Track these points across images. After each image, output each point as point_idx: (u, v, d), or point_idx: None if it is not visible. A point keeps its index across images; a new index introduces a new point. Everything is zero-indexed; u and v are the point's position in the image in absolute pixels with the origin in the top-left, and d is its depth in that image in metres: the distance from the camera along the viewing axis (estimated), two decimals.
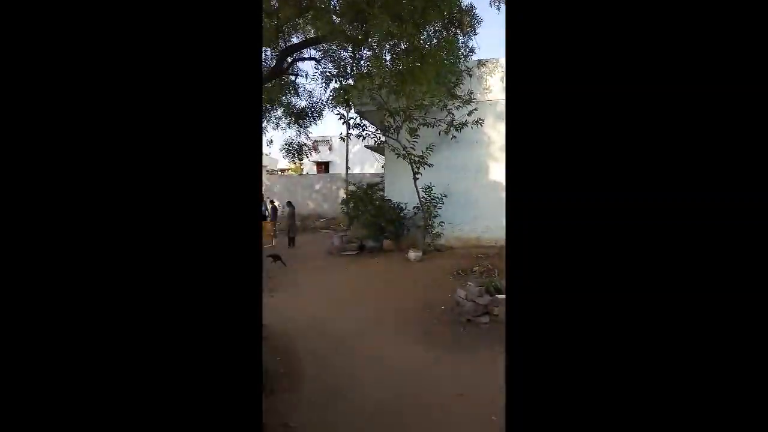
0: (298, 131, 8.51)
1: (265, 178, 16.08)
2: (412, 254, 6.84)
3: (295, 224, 10.42)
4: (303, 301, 5.06)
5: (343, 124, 7.53)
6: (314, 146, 9.86)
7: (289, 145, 8.82)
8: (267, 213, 11.48)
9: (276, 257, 7.27)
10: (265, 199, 12.21)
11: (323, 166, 20.37)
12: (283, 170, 20.71)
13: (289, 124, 8.27)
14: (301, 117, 8.23)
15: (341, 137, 8.66)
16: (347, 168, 11.96)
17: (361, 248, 8.10)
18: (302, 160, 11.41)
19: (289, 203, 10.59)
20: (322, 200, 15.47)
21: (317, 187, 15.68)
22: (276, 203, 12.44)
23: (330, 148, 20.63)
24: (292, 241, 9.96)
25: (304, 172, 19.08)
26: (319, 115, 8.32)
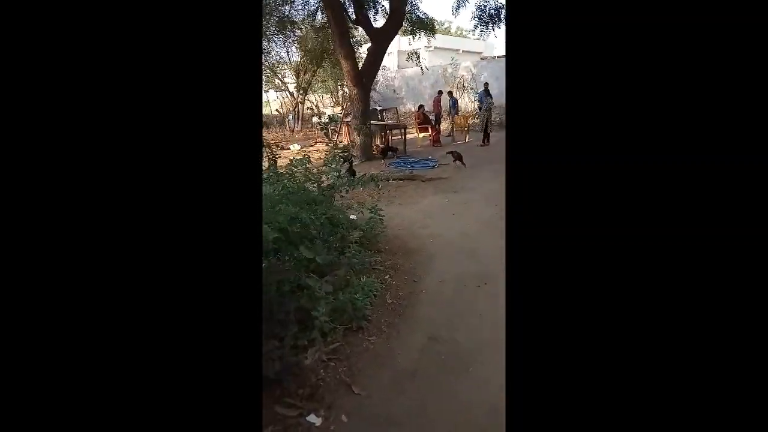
0: None
1: (471, 65, 14.31)
2: None
3: (492, 118, 8.85)
4: (461, 211, 4.10)
5: None
6: None
7: (482, 11, 6.83)
8: (448, 109, 10.11)
9: (457, 156, 6.33)
10: (445, 93, 10.73)
11: None
12: (502, 56, 17.95)
13: None
14: None
15: None
16: None
17: None
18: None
19: (487, 91, 8.92)
20: None
21: None
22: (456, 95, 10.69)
23: None
24: (486, 138, 8.64)
25: None
26: None
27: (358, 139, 7.10)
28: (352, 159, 6.51)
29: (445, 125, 11.54)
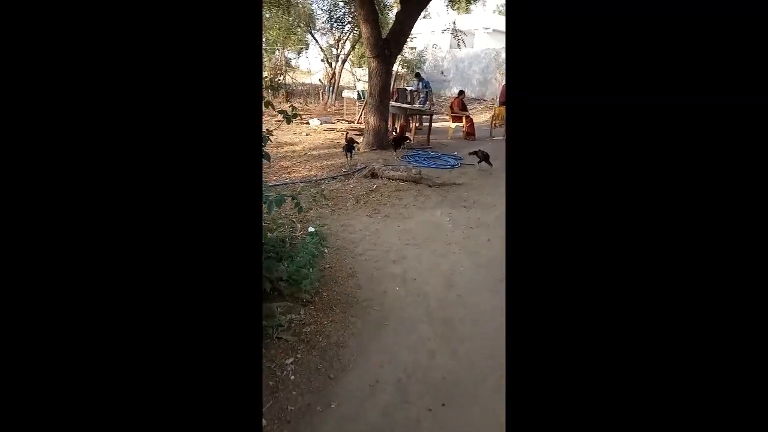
0: None
1: None
2: None
3: None
4: (461, 240, 2.97)
5: None
6: None
7: None
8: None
9: (482, 156, 5.09)
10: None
11: None
12: None
13: None
14: None
15: None
16: None
17: None
18: None
19: None
20: None
21: None
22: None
23: None
24: None
25: None
26: None
27: (372, 122, 6.00)
28: (355, 142, 5.50)
29: (486, 116, 10.11)
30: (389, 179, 4.40)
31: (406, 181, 4.38)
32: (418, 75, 9.17)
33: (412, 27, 5.83)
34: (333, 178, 4.51)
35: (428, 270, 2.55)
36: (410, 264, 2.61)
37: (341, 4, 11.07)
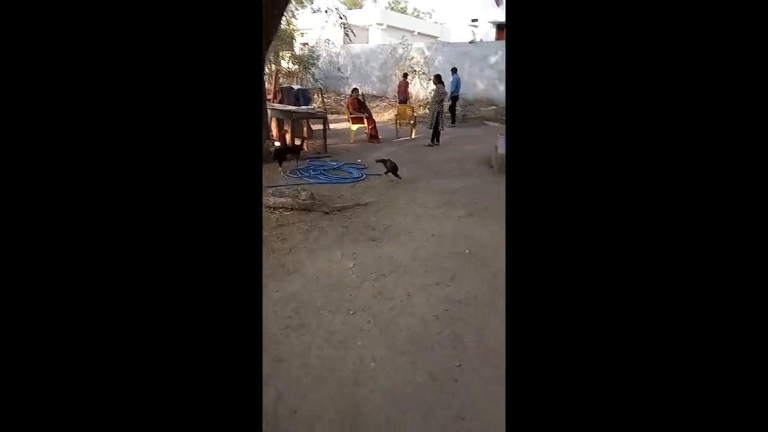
0: None
1: (424, 47, 12.25)
2: None
3: (443, 111, 6.90)
4: (369, 305, 2.06)
5: None
6: None
7: None
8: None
9: (390, 167, 4.27)
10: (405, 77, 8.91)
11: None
12: (458, 43, 15.95)
13: None
14: None
15: None
16: None
17: None
18: None
19: (438, 78, 6.92)
20: (498, 79, 10.85)
21: (493, 59, 10.96)
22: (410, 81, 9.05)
23: None
24: (436, 137, 6.67)
25: (477, 39, 13.99)
26: None
27: None
28: None
29: (389, 114, 9.50)
30: (269, 209, 3.28)
31: (294, 209, 3.31)
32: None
33: (282, 11, 4.71)
34: None
35: (318, 384, 1.54)
36: (289, 379, 1.57)
37: None
